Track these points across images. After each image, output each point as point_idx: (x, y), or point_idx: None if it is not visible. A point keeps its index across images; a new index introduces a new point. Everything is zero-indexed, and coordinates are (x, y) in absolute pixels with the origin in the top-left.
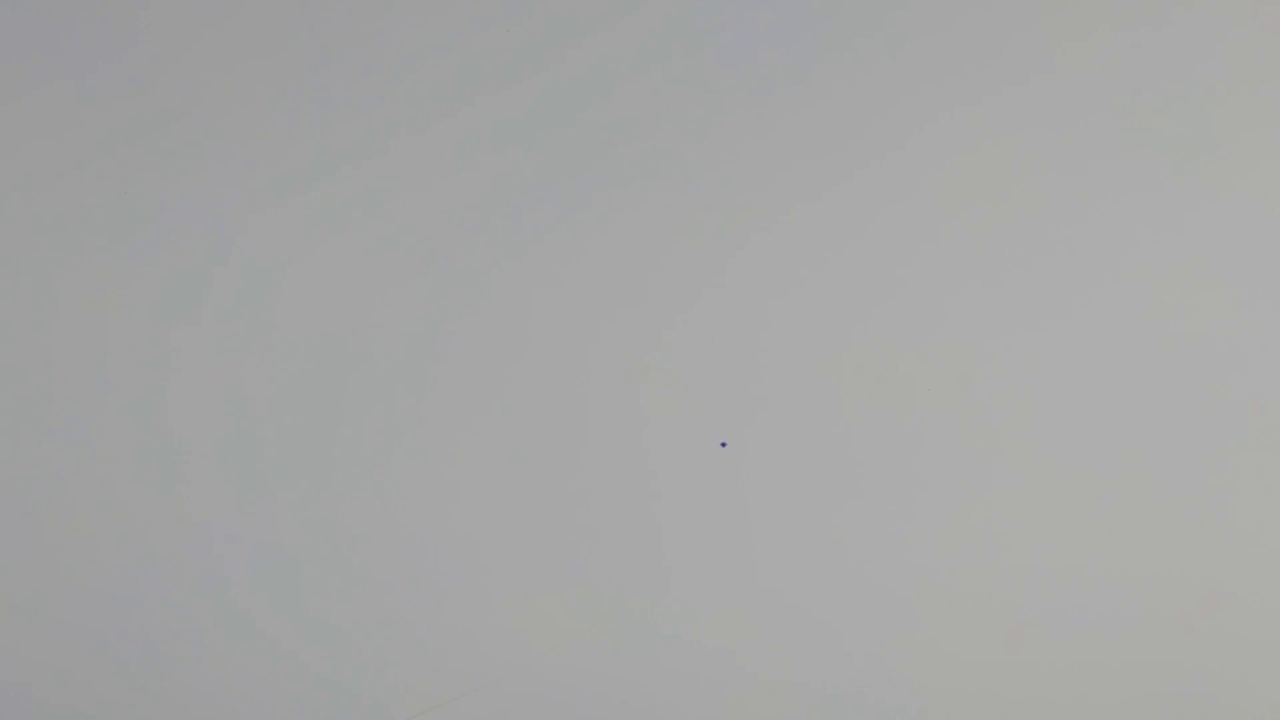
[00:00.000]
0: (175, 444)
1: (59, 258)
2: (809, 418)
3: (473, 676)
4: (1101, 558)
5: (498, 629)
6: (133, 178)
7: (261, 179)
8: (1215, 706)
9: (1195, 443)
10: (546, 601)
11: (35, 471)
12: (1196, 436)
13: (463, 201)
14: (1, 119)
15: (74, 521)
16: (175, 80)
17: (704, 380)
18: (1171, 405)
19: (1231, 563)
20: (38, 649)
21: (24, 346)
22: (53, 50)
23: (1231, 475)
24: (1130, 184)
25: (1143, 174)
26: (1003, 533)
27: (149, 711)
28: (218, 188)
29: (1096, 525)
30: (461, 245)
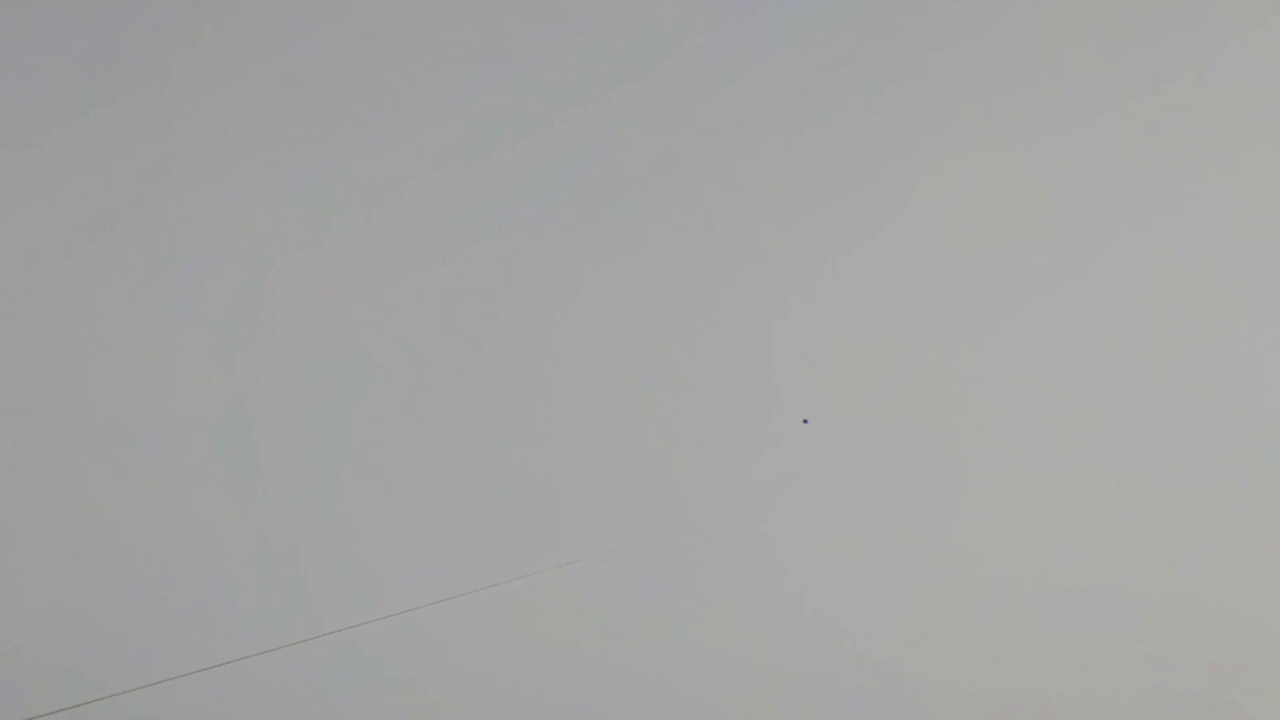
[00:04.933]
0: (162, 439)
1: (55, 258)
2: (815, 421)
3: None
4: (1106, 556)
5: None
6: (131, 180)
7: (255, 182)
8: (1215, 705)
9: (1198, 444)
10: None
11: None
12: (1199, 438)
13: (460, 205)
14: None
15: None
16: (173, 85)
17: (705, 382)
18: (1173, 407)
19: (1234, 561)
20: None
21: (21, 346)
22: (51, 53)
23: (1236, 474)
24: (1134, 190)
25: (1145, 181)
26: (1010, 532)
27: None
28: (212, 192)
29: (1103, 523)
30: (456, 250)
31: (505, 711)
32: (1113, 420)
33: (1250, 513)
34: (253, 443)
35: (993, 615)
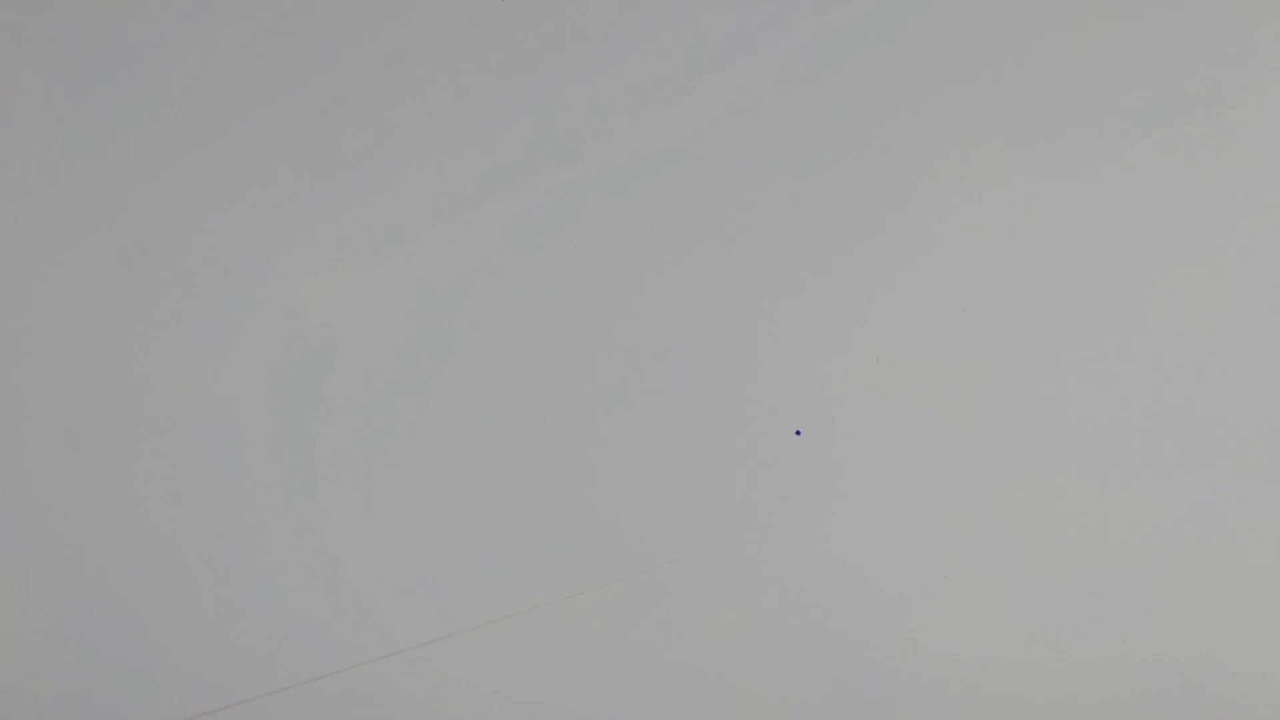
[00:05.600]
0: (160, 440)
1: (55, 259)
2: (812, 420)
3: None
4: (1106, 555)
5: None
6: (133, 180)
7: (286, 197)
8: (1214, 706)
9: (1197, 442)
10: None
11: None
12: (1198, 436)
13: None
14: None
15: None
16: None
17: (707, 381)
18: (1172, 407)
19: (1233, 560)
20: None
21: (20, 346)
22: (51, 53)
23: (1234, 473)
24: (1134, 189)
25: (1145, 179)
26: (1009, 532)
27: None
28: (233, 196)
29: (1101, 523)
30: (465, 251)
31: None
32: (1114, 424)
33: (1250, 512)
34: (307, 453)
35: (998, 622)
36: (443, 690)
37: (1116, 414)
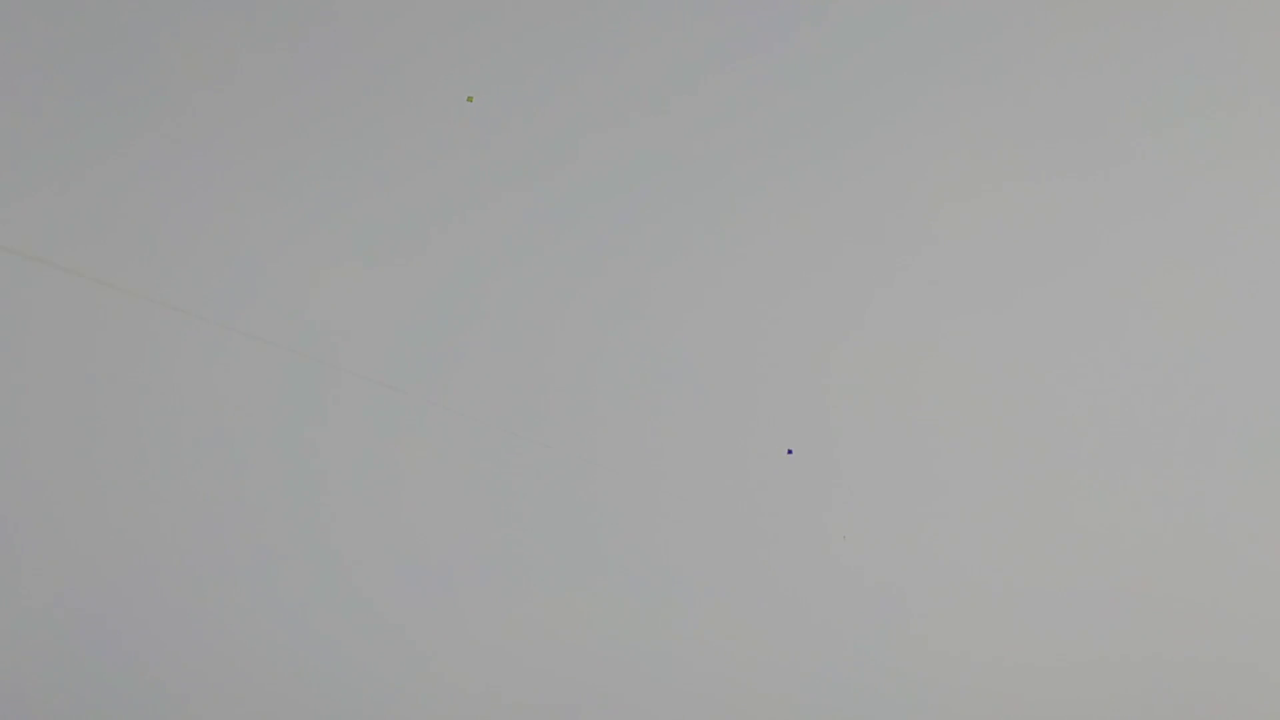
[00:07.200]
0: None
1: (55, 259)
2: (809, 420)
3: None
4: (1106, 556)
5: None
6: (130, 177)
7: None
8: (1214, 706)
9: (1199, 442)
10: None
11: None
12: (1200, 436)
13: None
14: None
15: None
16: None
17: (710, 385)
18: (1174, 407)
19: (1235, 560)
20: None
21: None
22: (50, 51)
23: (1233, 477)
24: (1133, 187)
25: (1145, 177)
26: (1009, 538)
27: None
28: (244, 199)
29: (1099, 528)
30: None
31: None
32: (1114, 424)
33: (1253, 512)
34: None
35: (998, 623)
36: None
37: (1117, 414)
